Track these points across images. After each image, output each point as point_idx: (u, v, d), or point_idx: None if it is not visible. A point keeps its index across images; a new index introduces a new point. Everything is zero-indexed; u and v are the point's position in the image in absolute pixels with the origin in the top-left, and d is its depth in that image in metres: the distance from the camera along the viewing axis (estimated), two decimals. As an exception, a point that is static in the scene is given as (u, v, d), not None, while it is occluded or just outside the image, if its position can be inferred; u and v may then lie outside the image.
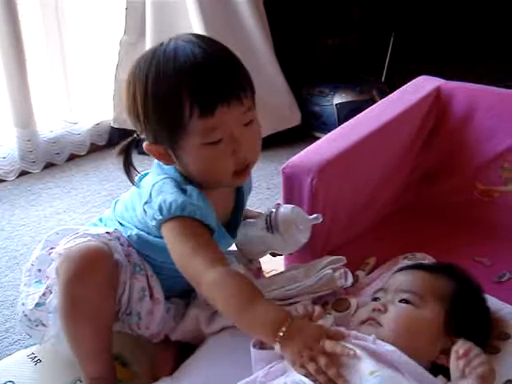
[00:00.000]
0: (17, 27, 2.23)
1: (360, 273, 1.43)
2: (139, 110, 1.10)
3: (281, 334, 0.97)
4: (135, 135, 1.19)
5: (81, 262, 1.13)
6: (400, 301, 1.12)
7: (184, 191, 1.13)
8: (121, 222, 1.26)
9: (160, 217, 1.11)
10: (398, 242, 1.56)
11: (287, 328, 0.98)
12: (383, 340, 1.05)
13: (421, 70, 1.95)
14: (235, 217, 1.30)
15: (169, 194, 1.12)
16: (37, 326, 1.28)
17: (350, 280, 1.33)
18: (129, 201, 1.25)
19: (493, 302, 1.23)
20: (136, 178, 1.21)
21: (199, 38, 1.12)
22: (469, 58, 2.90)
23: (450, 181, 1.74)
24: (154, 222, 1.14)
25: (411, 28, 3.03)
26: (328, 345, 0.97)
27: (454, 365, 1.01)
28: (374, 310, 1.12)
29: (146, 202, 1.15)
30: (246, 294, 1.05)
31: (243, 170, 1.16)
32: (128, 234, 1.23)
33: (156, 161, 1.20)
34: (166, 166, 1.18)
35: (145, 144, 1.14)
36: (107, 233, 1.20)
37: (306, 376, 0.96)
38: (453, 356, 1.02)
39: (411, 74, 1.94)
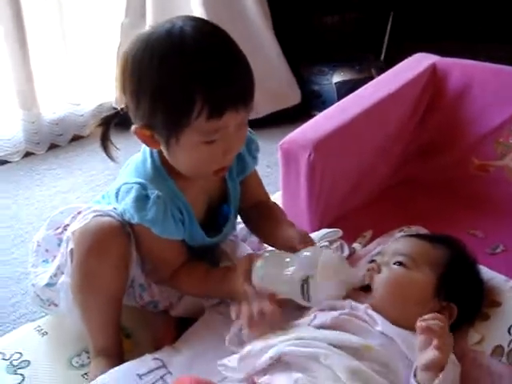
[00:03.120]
0: (19, 11, 2.25)
1: (357, 245, 1.46)
2: (142, 98, 1.08)
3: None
4: (119, 110, 1.18)
5: (97, 237, 1.16)
6: (394, 263, 1.16)
7: (146, 203, 1.15)
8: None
9: (125, 218, 1.19)
10: (395, 215, 1.60)
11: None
12: (373, 303, 1.10)
13: (420, 48, 1.95)
14: (223, 206, 1.31)
15: (129, 206, 1.16)
16: (49, 305, 1.33)
17: (346, 252, 1.37)
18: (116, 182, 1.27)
19: (485, 271, 1.26)
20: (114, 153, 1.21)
21: (214, 32, 1.09)
22: (468, 37, 2.91)
23: (446, 155, 1.77)
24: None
25: (410, 6, 3.02)
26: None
27: (418, 338, 1.02)
28: (368, 269, 1.16)
29: (116, 193, 1.21)
30: (199, 288, 1.24)
31: (222, 169, 1.18)
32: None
33: (142, 150, 1.22)
34: (147, 154, 1.20)
35: (134, 127, 1.13)
36: (114, 208, 1.23)
37: None
38: (417, 330, 1.01)
39: (410, 52, 1.95)
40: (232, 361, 1.06)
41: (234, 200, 1.31)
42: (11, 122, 2.40)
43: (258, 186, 1.39)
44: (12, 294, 1.62)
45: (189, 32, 1.06)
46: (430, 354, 0.97)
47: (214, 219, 1.30)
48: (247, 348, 1.05)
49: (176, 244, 1.22)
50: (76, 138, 2.55)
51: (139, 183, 1.17)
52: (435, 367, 0.97)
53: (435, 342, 0.98)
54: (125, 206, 1.17)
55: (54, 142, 2.48)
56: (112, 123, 1.20)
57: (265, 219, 1.33)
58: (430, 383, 0.96)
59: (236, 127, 1.11)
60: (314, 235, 1.38)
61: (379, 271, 1.15)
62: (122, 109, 1.17)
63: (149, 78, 1.06)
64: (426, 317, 1.02)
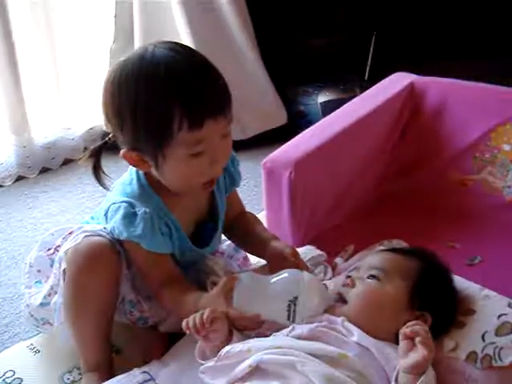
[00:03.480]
0: (9, 36, 2.30)
1: (339, 260, 1.51)
2: (125, 122, 1.12)
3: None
4: (107, 139, 1.23)
5: (88, 255, 1.21)
6: (368, 277, 1.20)
7: (134, 218, 1.20)
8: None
9: (115, 236, 1.23)
10: (376, 230, 1.63)
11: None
12: (349, 316, 1.14)
13: (402, 68, 2.02)
14: (211, 221, 1.35)
15: (118, 224, 1.21)
16: (43, 324, 1.37)
17: (330, 275, 1.42)
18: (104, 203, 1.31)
19: (460, 281, 1.30)
20: (107, 182, 1.27)
21: (184, 49, 1.16)
22: (450, 56, 2.98)
23: (425, 171, 1.83)
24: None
25: (393, 27, 3.10)
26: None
27: (400, 344, 1.07)
28: (343, 285, 1.21)
29: (105, 214, 1.25)
30: (178, 303, 1.22)
31: (212, 180, 1.23)
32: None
33: (128, 171, 1.27)
34: (134, 175, 1.25)
35: (122, 151, 1.17)
36: (104, 227, 1.27)
37: None
38: (400, 336, 1.07)
39: (393, 71, 2.01)
40: (210, 364, 1.10)
41: (221, 214, 1.36)
42: (3, 147, 2.44)
43: (237, 197, 1.45)
44: (5, 314, 1.66)
45: (160, 52, 1.12)
46: (415, 355, 1.02)
47: (201, 233, 1.34)
48: (225, 349, 1.09)
49: (164, 258, 1.26)
50: (67, 162, 2.59)
51: (127, 202, 1.21)
52: (418, 368, 1.01)
53: (419, 338, 1.03)
54: (114, 223, 1.22)
55: (45, 166, 2.52)
56: (101, 153, 1.25)
57: (249, 232, 1.38)
58: None
59: (219, 137, 1.16)
60: (300, 251, 1.42)
61: (353, 285, 1.20)
62: (109, 137, 1.22)
63: (127, 101, 1.11)
64: (409, 324, 1.08)
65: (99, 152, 1.25)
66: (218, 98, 1.14)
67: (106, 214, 1.25)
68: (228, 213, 1.39)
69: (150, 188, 1.24)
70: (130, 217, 1.20)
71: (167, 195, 1.24)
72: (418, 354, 1.03)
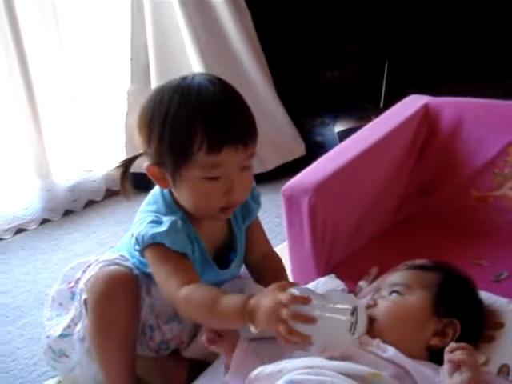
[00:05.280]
0: (30, 86, 2.38)
1: (363, 283, 1.50)
2: (153, 133, 1.17)
3: (246, 314, 1.06)
4: (139, 153, 1.26)
5: (107, 283, 1.24)
6: (390, 293, 1.20)
7: (160, 223, 1.21)
8: (126, 250, 1.35)
9: (137, 247, 1.23)
10: (399, 253, 1.60)
11: (248, 309, 1.07)
12: (378, 335, 1.13)
13: (416, 93, 2.03)
14: (229, 249, 1.36)
15: (143, 228, 1.21)
16: (60, 356, 1.38)
17: None
18: (130, 232, 1.33)
19: (487, 296, 1.29)
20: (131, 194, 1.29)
21: (220, 81, 1.21)
22: (461, 78, 3.01)
23: (445, 190, 1.81)
24: (137, 253, 1.27)
25: (404, 55, 3.14)
26: (284, 313, 1.02)
27: (445, 367, 1.06)
28: (366, 307, 1.19)
29: (132, 235, 1.26)
30: (209, 299, 1.13)
31: (229, 207, 1.23)
32: (131, 258, 1.32)
33: (152, 193, 1.29)
34: (158, 193, 1.27)
35: (146, 164, 1.22)
36: (121, 256, 1.30)
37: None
38: (445, 358, 1.06)
39: (407, 96, 2.03)
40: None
41: (239, 245, 1.36)
42: (27, 192, 2.49)
43: (261, 234, 1.44)
44: (33, 353, 1.67)
45: (198, 78, 1.18)
46: (459, 376, 1.02)
47: (222, 259, 1.34)
48: (256, 370, 1.08)
49: (186, 262, 1.23)
50: (90, 203, 2.63)
51: (153, 214, 1.23)
52: None
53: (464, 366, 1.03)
54: (139, 232, 1.22)
55: (68, 208, 2.57)
56: (131, 164, 1.28)
57: (273, 273, 1.38)
58: None
59: (238, 168, 1.18)
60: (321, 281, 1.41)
61: (376, 305, 1.19)
62: (140, 153, 1.25)
63: (158, 113, 1.16)
64: (453, 346, 1.07)
65: (129, 163, 1.28)
66: (240, 127, 1.17)
67: (133, 238, 1.25)
68: (253, 250, 1.40)
69: (175, 204, 1.26)
70: (156, 222, 1.22)
71: (190, 215, 1.26)
72: (462, 376, 1.02)
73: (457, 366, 1.04)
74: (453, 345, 1.08)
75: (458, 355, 1.05)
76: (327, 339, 1.09)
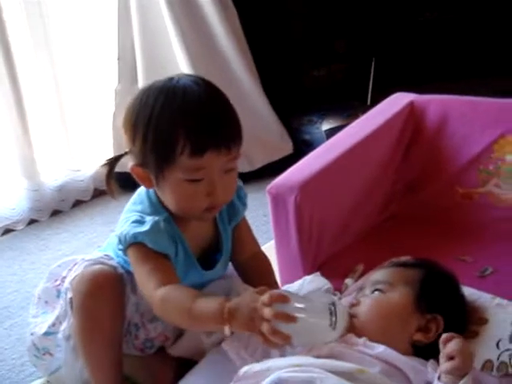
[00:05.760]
0: (17, 85, 2.37)
1: (349, 280, 1.50)
2: (137, 134, 1.17)
3: (225, 316, 1.06)
4: (125, 152, 1.26)
5: (92, 282, 1.24)
6: (372, 292, 1.21)
7: (142, 223, 1.21)
8: (111, 249, 1.35)
9: (120, 246, 1.25)
10: (385, 248, 1.62)
11: (226, 311, 1.07)
12: (362, 332, 1.14)
13: (402, 91, 2.04)
14: (215, 250, 1.35)
15: (126, 227, 1.22)
16: (44, 354, 1.38)
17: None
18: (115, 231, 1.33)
19: (472, 291, 1.30)
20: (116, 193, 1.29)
21: (205, 83, 1.20)
22: (447, 77, 3.02)
23: (431, 187, 1.82)
24: (120, 252, 1.27)
25: (391, 53, 3.15)
26: (266, 312, 1.03)
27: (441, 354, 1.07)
28: (350, 306, 1.21)
29: (118, 239, 1.26)
30: (185, 301, 1.13)
31: (214, 207, 1.24)
32: (117, 257, 1.33)
33: (137, 192, 1.29)
34: (143, 193, 1.27)
35: (131, 164, 1.22)
36: (105, 255, 1.31)
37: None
38: (440, 346, 1.07)
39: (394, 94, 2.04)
40: None
41: (225, 246, 1.36)
42: (15, 192, 2.48)
43: (249, 234, 1.44)
44: (21, 354, 1.67)
45: (184, 80, 1.18)
46: (454, 361, 1.02)
47: (207, 259, 1.34)
48: (244, 369, 1.08)
49: (167, 263, 1.22)
50: (78, 203, 2.63)
51: (137, 214, 1.23)
52: (459, 370, 1.01)
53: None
54: (122, 232, 1.22)
55: (56, 208, 2.56)
56: (117, 163, 1.28)
57: (261, 274, 1.39)
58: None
59: (221, 171, 1.18)
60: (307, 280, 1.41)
61: (359, 304, 1.20)
62: (125, 152, 1.25)
63: (143, 113, 1.16)
64: (444, 337, 1.07)
65: (115, 162, 1.28)
66: (224, 131, 1.16)
67: (118, 238, 1.25)
68: (240, 250, 1.40)
69: (160, 204, 1.26)
70: (139, 221, 1.22)
71: (175, 216, 1.26)
72: (457, 360, 1.02)
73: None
74: (447, 336, 1.07)
75: (453, 346, 1.05)
76: (309, 337, 1.10)
